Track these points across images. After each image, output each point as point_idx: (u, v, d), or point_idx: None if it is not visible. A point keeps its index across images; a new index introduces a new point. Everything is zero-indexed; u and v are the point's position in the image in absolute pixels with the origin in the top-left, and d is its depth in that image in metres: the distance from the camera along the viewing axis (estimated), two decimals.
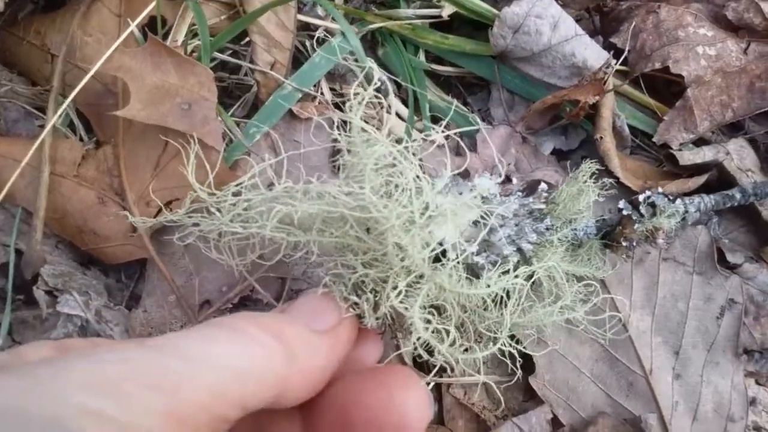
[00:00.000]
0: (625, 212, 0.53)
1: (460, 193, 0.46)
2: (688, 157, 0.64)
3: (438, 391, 0.60)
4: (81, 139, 0.62)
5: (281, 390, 0.29)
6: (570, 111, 0.67)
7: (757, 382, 0.60)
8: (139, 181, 0.57)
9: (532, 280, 0.43)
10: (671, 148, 0.67)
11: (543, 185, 0.50)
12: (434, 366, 0.61)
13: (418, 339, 0.38)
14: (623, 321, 0.58)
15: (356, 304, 0.39)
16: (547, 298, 0.46)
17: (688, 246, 0.61)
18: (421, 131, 0.70)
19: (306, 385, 0.31)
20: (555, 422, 0.57)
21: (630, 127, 0.69)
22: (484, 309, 0.45)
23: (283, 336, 0.30)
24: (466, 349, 0.42)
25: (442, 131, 0.44)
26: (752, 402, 0.59)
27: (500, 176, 0.47)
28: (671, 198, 0.53)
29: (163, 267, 0.56)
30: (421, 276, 0.39)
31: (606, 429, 0.55)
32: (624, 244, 0.53)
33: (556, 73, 0.67)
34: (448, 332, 0.39)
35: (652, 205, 0.53)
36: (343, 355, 0.35)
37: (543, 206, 0.49)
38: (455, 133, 0.69)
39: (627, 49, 0.70)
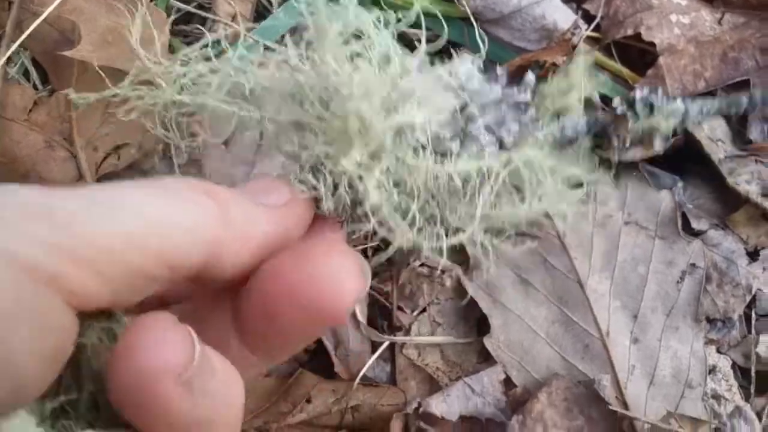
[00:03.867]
0: (619, 111, 0.49)
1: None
2: None
3: (392, 351, 0.59)
4: (35, 87, 0.61)
5: (213, 252, 0.26)
6: (538, 73, 0.65)
7: (719, 351, 0.59)
8: (88, 126, 0.56)
9: (508, 168, 0.40)
10: None
11: (530, 75, 0.47)
12: (388, 326, 0.60)
13: (374, 213, 0.34)
14: (581, 283, 0.57)
15: (314, 187, 0.36)
16: (529, 192, 0.44)
17: (651, 210, 0.59)
18: None
19: (244, 253, 0.27)
20: (508, 383, 0.56)
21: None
22: (455, 196, 0.41)
23: (218, 197, 0.26)
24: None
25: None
26: (712, 370, 0.58)
27: (482, 59, 0.44)
28: (672, 96, 0.50)
29: None
30: (383, 150, 0.36)
31: (559, 390, 0.54)
32: (615, 144, 0.48)
33: (525, 36, 0.66)
34: (408, 211, 0.36)
35: (649, 104, 0.49)
36: (291, 234, 0.31)
37: (528, 97, 0.46)
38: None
39: (600, 15, 0.68)
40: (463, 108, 0.39)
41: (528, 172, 0.44)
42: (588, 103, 0.49)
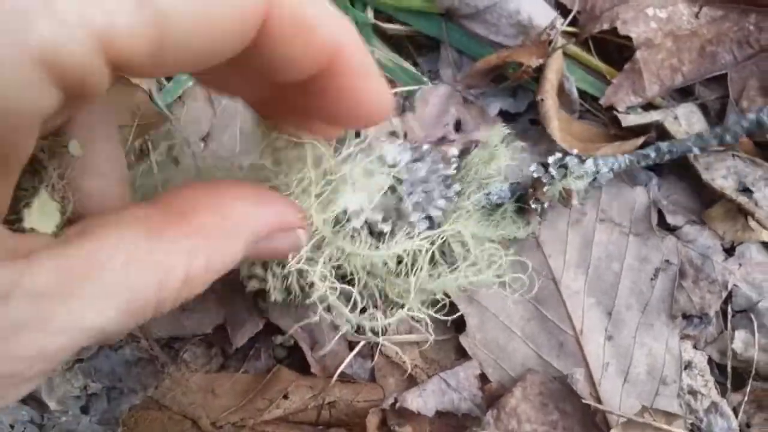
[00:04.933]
0: (535, 174, 0.52)
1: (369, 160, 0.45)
2: (632, 119, 0.63)
3: (371, 349, 0.59)
4: None
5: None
6: (514, 72, 0.65)
7: (695, 347, 0.59)
8: None
9: (437, 243, 0.43)
10: (618, 111, 0.66)
11: (453, 150, 0.50)
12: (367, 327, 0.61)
13: (322, 301, 0.38)
14: (556, 281, 0.58)
15: (263, 279, 0.40)
16: (460, 263, 0.46)
17: (625, 207, 0.60)
18: None
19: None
20: (484, 378, 0.57)
21: (579, 91, 0.68)
22: (392, 274, 0.44)
23: None
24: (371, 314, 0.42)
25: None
26: (688, 365, 0.58)
27: (406, 141, 0.47)
28: (582, 158, 0.52)
29: None
30: (324, 240, 0.39)
31: (534, 385, 0.54)
32: (534, 206, 0.52)
33: (501, 31, 0.66)
34: (350, 296, 0.39)
35: (563, 166, 0.52)
36: None
37: (453, 172, 0.49)
38: (397, 93, 0.68)
39: (576, 9, 0.68)
40: (393, 189, 0.42)
41: (459, 246, 0.47)
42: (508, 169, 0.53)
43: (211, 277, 0.30)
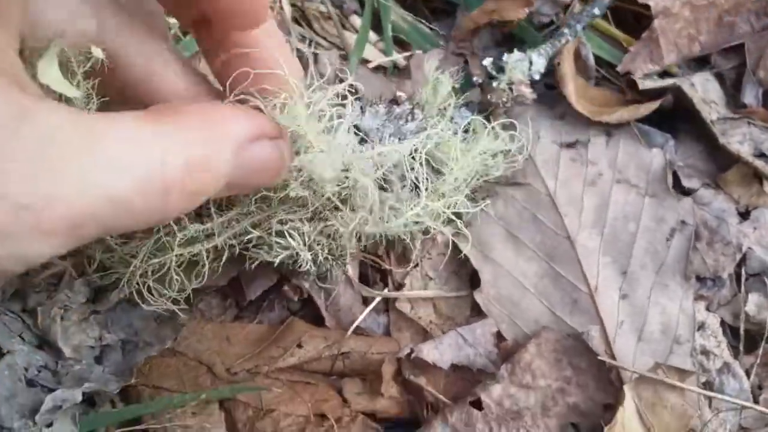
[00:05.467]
0: (477, 81, 0.56)
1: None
2: (649, 83, 0.64)
3: (386, 304, 0.60)
4: None
5: None
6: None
7: (708, 309, 0.59)
8: None
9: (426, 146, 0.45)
10: (635, 77, 0.66)
11: (400, 93, 0.52)
12: (380, 279, 0.61)
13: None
14: (571, 240, 0.58)
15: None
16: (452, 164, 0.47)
17: (642, 168, 0.60)
18: (382, 51, 0.70)
19: None
20: (500, 336, 0.57)
21: (596, 57, 0.68)
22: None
23: None
24: None
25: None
26: (701, 327, 0.58)
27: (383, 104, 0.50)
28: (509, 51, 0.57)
29: None
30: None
31: (548, 342, 0.54)
32: (497, 107, 0.54)
33: None
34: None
35: (498, 66, 0.56)
36: None
37: (408, 107, 0.51)
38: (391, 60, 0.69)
39: None
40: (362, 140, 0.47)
41: (445, 153, 0.48)
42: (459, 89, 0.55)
43: (210, 180, 0.31)
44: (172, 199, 0.29)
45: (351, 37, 0.70)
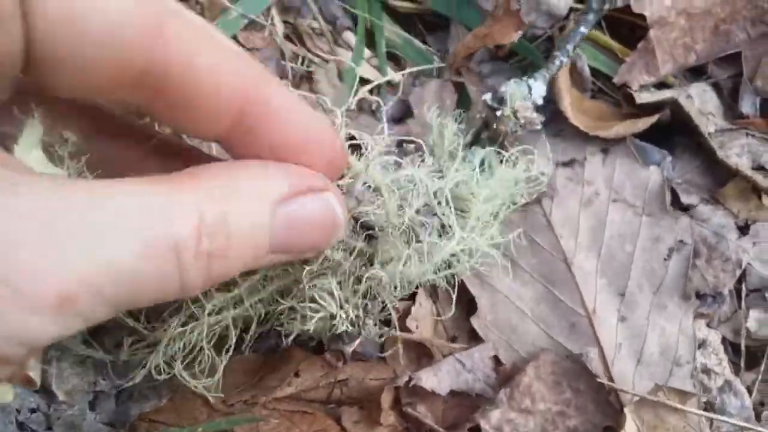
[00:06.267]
0: (484, 115, 0.56)
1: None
2: (646, 96, 0.63)
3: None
4: None
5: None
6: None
7: (708, 325, 0.59)
8: None
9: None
10: (632, 89, 0.65)
11: (408, 146, 0.51)
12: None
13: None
14: (567, 262, 0.57)
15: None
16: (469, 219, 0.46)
17: (639, 187, 0.59)
18: (376, 68, 0.69)
19: None
20: (498, 360, 0.56)
21: (592, 69, 0.67)
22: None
23: None
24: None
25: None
26: (702, 344, 0.58)
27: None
28: (518, 80, 0.57)
29: None
30: None
31: (546, 364, 0.54)
32: (507, 136, 0.54)
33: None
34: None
35: (496, 97, 0.56)
36: None
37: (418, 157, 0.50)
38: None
39: None
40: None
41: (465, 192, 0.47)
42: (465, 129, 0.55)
43: (242, 236, 0.28)
44: (187, 263, 0.26)
45: (345, 54, 0.69)
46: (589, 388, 0.54)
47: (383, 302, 0.47)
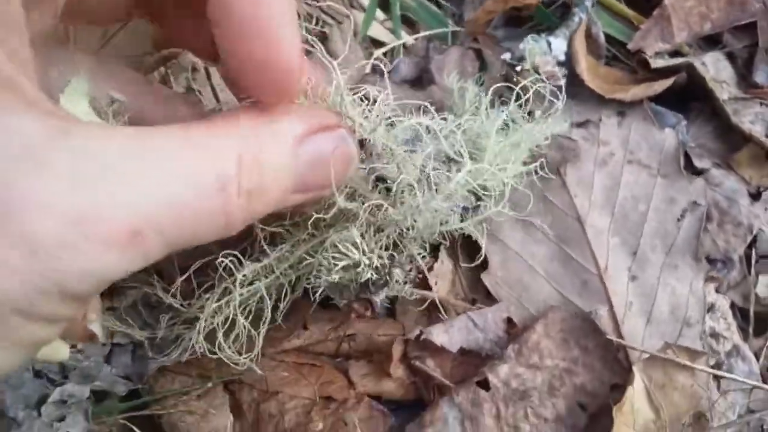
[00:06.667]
0: (501, 74, 0.56)
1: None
2: (661, 62, 0.62)
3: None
4: None
5: None
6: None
7: (717, 290, 0.59)
8: None
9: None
10: (646, 55, 0.65)
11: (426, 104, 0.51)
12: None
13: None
14: (581, 221, 0.57)
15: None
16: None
17: (654, 149, 0.59)
18: (390, 30, 0.69)
19: None
20: (510, 322, 0.56)
21: (607, 36, 0.67)
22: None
23: None
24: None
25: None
26: (711, 308, 0.57)
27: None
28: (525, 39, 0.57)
29: None
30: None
31: (555, 322, 0.54)
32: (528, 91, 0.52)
33: None
34: None
35: (516, 56, 0.56)
36: None
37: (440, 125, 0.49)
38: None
39: None
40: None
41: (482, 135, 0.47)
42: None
43: (271, 179, 0.30)
44: (231, 198, 0.28)
45: (360, 16, 0.69)
46: (597, 346, 0.54)
47: (411, 256, 0.48)
